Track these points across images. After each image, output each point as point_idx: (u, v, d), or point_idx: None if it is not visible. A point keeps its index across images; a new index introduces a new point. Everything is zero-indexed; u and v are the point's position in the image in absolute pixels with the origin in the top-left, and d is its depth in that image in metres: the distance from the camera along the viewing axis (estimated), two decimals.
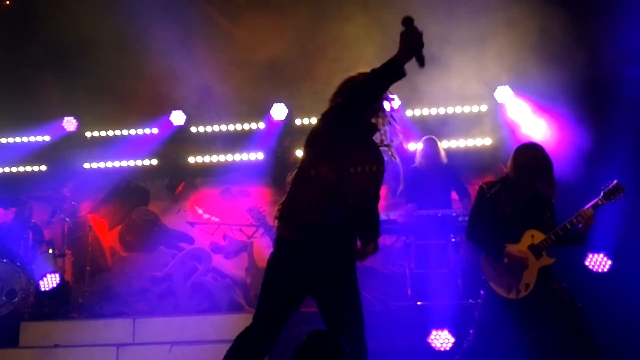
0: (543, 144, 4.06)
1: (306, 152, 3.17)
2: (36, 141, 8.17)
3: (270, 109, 7.77)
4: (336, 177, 3.00)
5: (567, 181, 4.96)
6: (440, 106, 7.37)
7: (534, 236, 3.92)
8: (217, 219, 7.74)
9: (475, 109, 7.34)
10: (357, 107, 3.08)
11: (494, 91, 7.03)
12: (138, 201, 8.11)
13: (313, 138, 3.16)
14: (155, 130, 8.04)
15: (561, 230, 3.89)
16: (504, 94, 7.03)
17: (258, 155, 7.86)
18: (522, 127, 6.83)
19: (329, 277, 3.08)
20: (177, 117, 7.95)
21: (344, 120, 3.08)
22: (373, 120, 3.21)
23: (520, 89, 6.99)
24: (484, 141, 7.29)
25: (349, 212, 3.04)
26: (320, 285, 3.10)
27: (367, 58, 7.26)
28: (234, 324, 4.01)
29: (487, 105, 7.29)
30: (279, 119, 7.77)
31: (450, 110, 7.37)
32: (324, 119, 3.15)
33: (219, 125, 8.02)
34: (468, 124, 7.30)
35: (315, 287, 3.11)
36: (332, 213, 3.00)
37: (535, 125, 6.74)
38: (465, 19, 6.75)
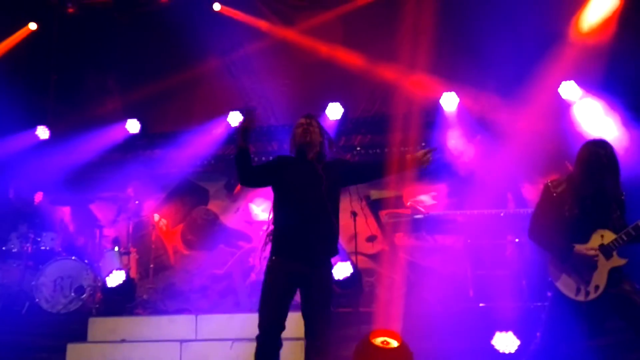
0: (611, 141, 3.89)
1: None
2: (101, 143, 8.47)
3: (325, 108, 7.77)
4: None
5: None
6: (499, 103, 7.18)
7: (603, 236, 3.77)
8: None
9: (537, 105, 7.11)
10: None
11: (559, 87, 6.80)
12: (198, 201, 8.30)
13: None
14: (213, 131, 8.19)
15: (633, 229, 3.71)
16: (570, 90, 6.77)
17: None
18: (589, 124, 6.58)
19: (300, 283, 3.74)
20: (235, 118, 8.06)
21: None
22: None
23: (587, 85, 6.74)
24: (547, 139, 7.04)
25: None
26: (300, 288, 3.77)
27: (421, 53, 7.21)
28: (292, 322, 4.01)
29: (552, 101, 7.06)
30: (335, 119, 7.76)
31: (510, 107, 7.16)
32: None
33: (276, 125, 8.08)
34: (530, 121, 7.08)
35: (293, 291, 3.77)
36: None
37: (603, 122, 6.47)
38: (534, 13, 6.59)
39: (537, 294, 5.05)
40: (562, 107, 6.92)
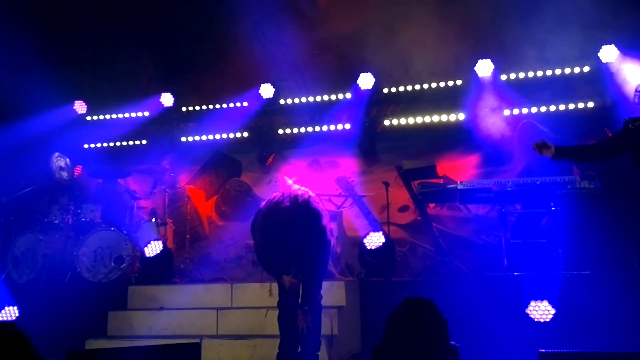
0: None
1: None
2: (137, 117, 8.60)
3: (357, 78, 7.70)
4: None
5: None
6: (538, 69, 6.99)
7: None
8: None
9: (577, 70, 6.91)
10: None
11: (598, 51, 6.57)
12: (232, 173, 8.39)
13: None
14: (245, 104, 8.22)
15: None
16: (609, 54, 6.54)
17: (346, 126, 7.84)
18: (630, 88, 6.34)
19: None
20: (266, 90, 8.07)
21: None
22: None
23: (627, 48, 6.48)
24: (587, 104, 6.85)
25: None
26: None
27: (450, 23, 7.07)
28: (325, 290, 4.08)
29: (590, 66, 6.84)
30: (366, 89, 7.70)
31: (549, 72, 6.97)
32: None
33: (307, 97, 8.06)
34: (569, 87, 6.89)
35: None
36: None
37: None
38: None
39: (574, 263, 4.96)
40: (601, 72, 6.69)
